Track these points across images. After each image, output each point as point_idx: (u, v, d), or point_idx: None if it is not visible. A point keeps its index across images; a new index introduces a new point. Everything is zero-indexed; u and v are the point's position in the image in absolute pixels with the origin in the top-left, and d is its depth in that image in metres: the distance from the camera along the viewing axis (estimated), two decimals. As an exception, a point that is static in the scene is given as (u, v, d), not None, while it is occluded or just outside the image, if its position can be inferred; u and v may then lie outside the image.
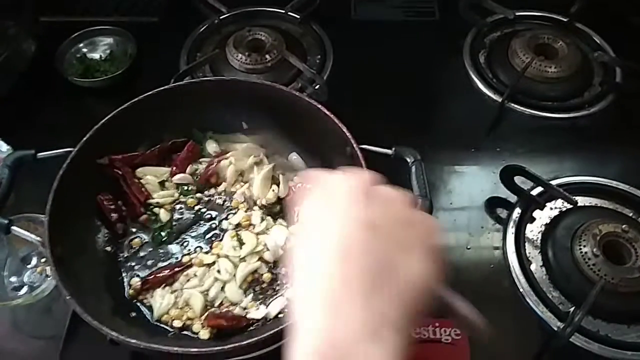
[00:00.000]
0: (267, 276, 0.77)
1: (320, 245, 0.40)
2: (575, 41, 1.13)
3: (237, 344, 0.61)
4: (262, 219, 0.81)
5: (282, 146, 0.87)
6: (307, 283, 0.39)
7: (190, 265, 0.77)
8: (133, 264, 0.79)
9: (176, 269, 0.77)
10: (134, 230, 0.82)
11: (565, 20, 1.18)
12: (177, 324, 0.72)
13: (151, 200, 0.83)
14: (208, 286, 0.75)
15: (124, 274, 0.78)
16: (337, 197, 0.42)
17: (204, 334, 0.71)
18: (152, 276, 0.76)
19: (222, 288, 0.75)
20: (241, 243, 0.79)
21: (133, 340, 0.60)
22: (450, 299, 0.44)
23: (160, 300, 0.74)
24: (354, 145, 0.77)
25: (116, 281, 0.77)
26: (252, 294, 0.75)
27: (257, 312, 0.73)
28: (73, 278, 0.67)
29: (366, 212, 0.41)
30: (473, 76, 1.09)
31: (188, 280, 0.76)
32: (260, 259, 0.78)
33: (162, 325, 0.73)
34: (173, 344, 0.63)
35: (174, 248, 0.81)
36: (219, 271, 0.76)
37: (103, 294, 0.73)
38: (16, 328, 0.81)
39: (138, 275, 0.77)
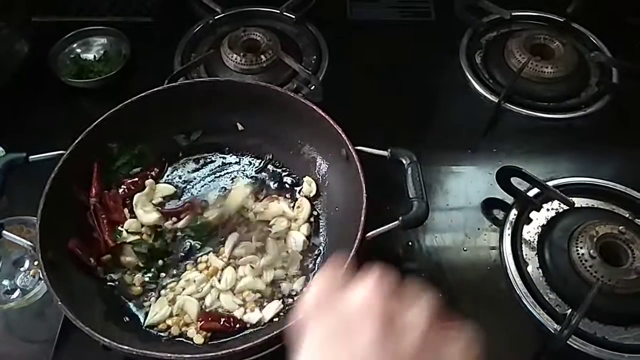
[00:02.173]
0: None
1: None
2: (572, 41, 1.13)
3: (231, 350, 0.61)
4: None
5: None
6: None
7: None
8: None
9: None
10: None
11: (561, 20, 1.18)
12: (175, 330, 0.72)
13: (119, 240, 0.80)
14: (205, 293, 0.75)
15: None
16: (354, 329, 0.35)
17: (198, 339, 0.70)
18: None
19: (218, 297, 0.75)
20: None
21: (126, 347, 0.60)
22: None
23: (157, 310, 0.73)
24: (350, 147, 0.77)
25: (109, 286, 0.76)
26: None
27: (251, 315, 0.72)
28: (65, 282, 0.66)
29: (391, 349, 0.35)
30: (469, 76, 1.09)
31: (184, 289, 0.76)
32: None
33: (155, 330, 0.72)
34: (167, 350, 0.63)
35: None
36: (219, 280, 0.76)
37: (95, 298, 0.72)
38: (8, 331, 0.80)
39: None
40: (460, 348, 0.37)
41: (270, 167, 0.91)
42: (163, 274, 0.78)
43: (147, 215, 0.82)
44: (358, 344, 0.35)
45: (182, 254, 0.80)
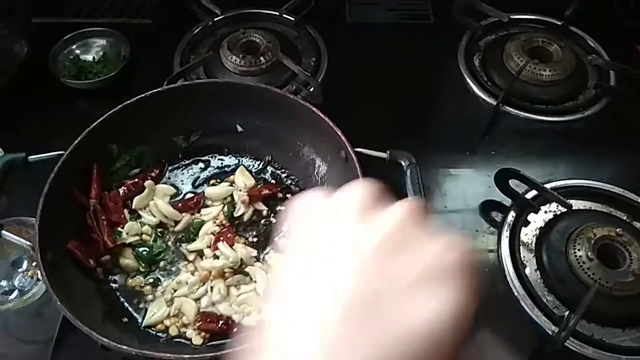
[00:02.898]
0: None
1: (311, 267, 0.34)
2: (570, 44, 1.13)
3: (230, 350, 0.61)
4: None
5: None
6: (287, 309, 0.33)
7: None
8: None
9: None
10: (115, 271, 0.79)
11: (559, 23, 1.18)
12: (173, 331, 0.71)
13: (119, 241, 0.80)
14: (200, 295, 0.75)
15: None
16: (336, 213, 0.36)
17: (197, 340, 0.70)
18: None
19: (214, 304, 0.75)
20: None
21: (125, 347, 0.60)
22: None
23: (155, 310, 0.73)
24: (349, 149, 0.77)
25: (108, 286, 0.76)
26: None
27: (249, 319, 0.72)
28: (64, 283, 0.66)
29: (366, 234, 0.34)
30: (468, 79, 1.09)
31: (176, 291, 0.76)
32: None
33: (153, 331, 0.72)
34: (165, 350, 0.63)
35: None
36: (211, 289, 0.76)
37: (94, 299, 0.72)
38: (6, 332, 0.80)
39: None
40: (442, 246, 0.34)
41: (269, 168, 0.91)
42: (162, 275, 0.78)
43: (150, 216, 0.83)
44: (336, 222, 0.35)
45: (180, 256, 0.81)
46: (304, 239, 0.36)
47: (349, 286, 0.32)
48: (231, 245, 0.79)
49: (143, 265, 0.79)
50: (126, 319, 0.73)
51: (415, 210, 0.36)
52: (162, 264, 0.79)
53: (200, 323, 0.72)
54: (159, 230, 0.83)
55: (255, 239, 0.83)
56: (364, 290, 0.31)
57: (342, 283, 0.32)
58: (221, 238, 0.79)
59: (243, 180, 0.87)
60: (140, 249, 0.80)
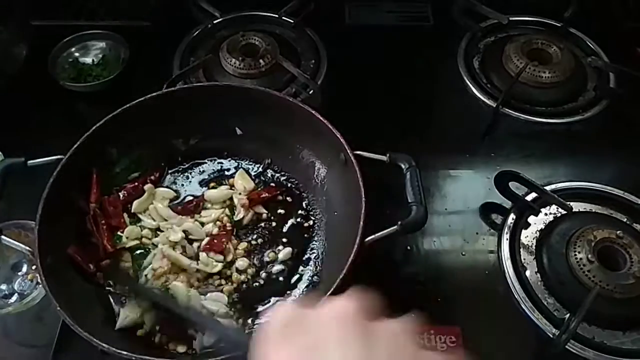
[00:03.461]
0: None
1: None
2: (569, 46, 1.13)
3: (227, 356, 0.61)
4: None
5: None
6: None
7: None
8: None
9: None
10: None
11: (559, 25, 1.18)
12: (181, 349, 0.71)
13: (119, 245, 0.80)
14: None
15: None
16: (324, 345, 0.32)
17: (181, 349, 0.70)
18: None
19: None
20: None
21: (124, 352, 0.60)
22: None
23: (128, 313, 0.73)
24: (348, 151, 0.77)
25: (107, 291, 0.76)
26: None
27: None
28: (63, 288, 0.66)
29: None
30: (467, 81, 1.09)
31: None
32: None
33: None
34: (165, 355, 0.63)
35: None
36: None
37: (94, 303, 0.72)
38: (6, 336, 0.79)
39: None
40: None
41: (269, 171, 0.91)
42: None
43: (149, 219, 0.83)
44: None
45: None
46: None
47: None
48: (221, 252, 0.79)
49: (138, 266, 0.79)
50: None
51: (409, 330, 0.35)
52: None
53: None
54: (159, 232, 0.82)
55: (256, 241, 0.83)
56: None
57: None
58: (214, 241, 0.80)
59: (242, 183, 0.87)
60: (138, 252, 0.80)
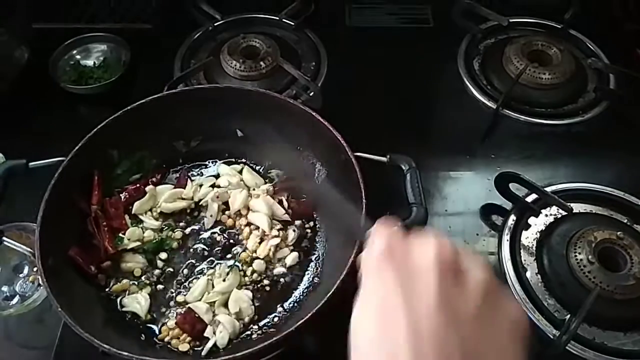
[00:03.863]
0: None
1: (388, 336, 0.34)
2: (569, 48, 1.13)
3: (231, 356, 0.61)
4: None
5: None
6: None
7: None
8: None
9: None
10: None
11: (559, 26, 1.18)
12: (184, 348, 0.71)
13: (120, 247, 0.80)
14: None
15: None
16: (416, 275, 0.36)
17: (183, 347, 0.70)
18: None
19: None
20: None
21: (125, 353, 0.60)
22: None
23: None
24: (349, 153, 0.77)
25: (108, 292, 0.76)
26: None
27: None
28: (64, 289, 0.66)
29: (448, 301, 0.35)
30: (467, 83, 1.09)
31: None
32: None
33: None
34: (166, 356, 0.63)
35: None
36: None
37: (95, 305, 0.72)
38: (7, 338, 0.80)
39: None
40: (511, 321, 0.38)
41: (269, 172, 0.91)
42: (161, 283, 0.78)
43: (151, 220, 0.83)
44: (421, 302, 0.35)
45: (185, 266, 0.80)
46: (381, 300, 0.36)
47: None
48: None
49: (146, 255, 0.80)
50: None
51: (493, 278, 0.38)
52: (164, 255, 0.80)
53: (179, 318, 0.72)
54: (160, 232, 0.83)
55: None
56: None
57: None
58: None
59: (252, 179, 0.88)
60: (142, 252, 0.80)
